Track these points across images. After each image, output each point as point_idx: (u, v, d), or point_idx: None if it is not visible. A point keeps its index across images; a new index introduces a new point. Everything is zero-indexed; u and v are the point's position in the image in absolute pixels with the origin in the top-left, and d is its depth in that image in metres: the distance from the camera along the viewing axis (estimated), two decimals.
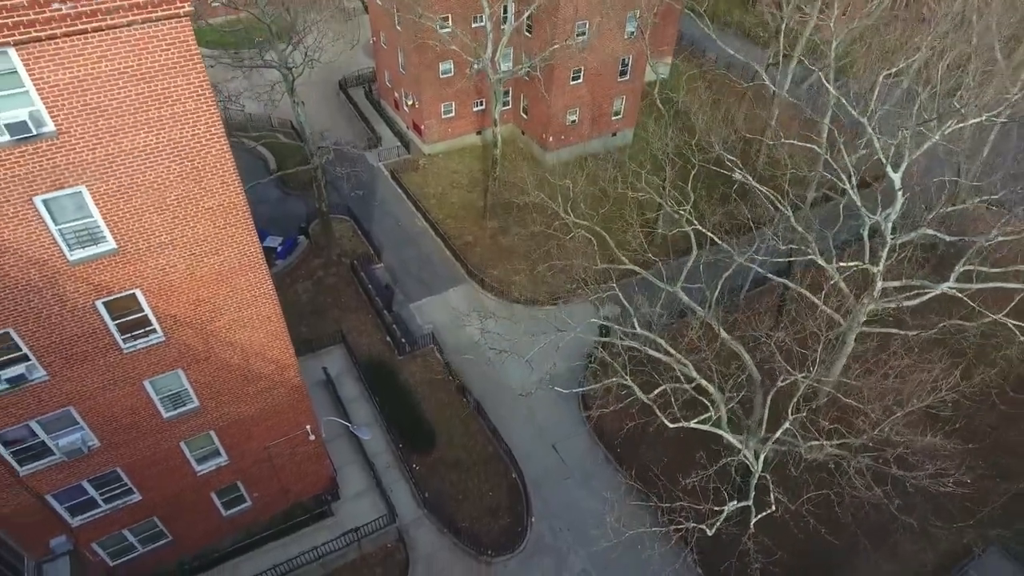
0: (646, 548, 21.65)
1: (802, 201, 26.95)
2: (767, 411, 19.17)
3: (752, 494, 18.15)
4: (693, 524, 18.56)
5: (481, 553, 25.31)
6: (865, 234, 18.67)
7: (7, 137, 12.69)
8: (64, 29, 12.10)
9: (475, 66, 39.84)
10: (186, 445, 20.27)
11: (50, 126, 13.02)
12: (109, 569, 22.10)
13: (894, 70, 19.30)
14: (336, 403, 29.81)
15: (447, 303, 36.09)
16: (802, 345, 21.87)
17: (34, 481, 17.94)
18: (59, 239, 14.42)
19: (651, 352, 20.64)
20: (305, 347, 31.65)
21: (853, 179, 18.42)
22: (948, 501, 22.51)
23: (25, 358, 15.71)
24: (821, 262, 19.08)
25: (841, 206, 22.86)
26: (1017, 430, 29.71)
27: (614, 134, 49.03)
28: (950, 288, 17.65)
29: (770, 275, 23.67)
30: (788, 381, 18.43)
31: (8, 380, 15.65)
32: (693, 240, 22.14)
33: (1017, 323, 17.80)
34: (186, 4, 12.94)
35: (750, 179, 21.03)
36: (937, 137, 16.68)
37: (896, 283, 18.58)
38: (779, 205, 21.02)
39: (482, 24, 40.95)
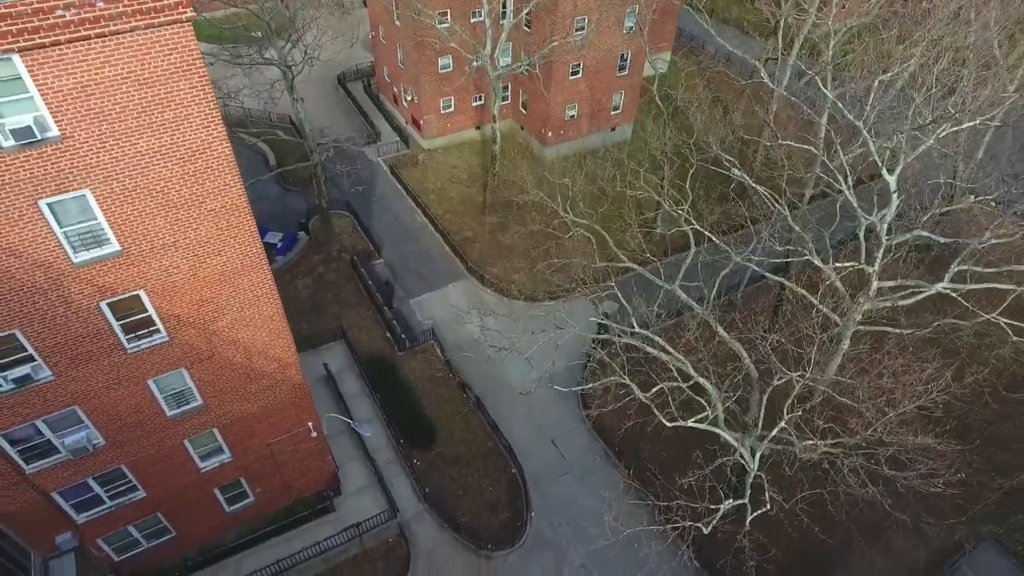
0: (643, 546, 21.95)
1: (799, 200, 27.14)
2: (763, 410, 19.41)
3: (748, 492, 18.42)
4: (690, 522, 18.83)
5: (481, 548, 25.62)
6: (861, 234, 18.87)
7: (12, 142, 12.83)
8: (67, 35, 12.22)
9: (474, 63, 39.89)
10: (190, 442, 20.52)
11: (54, 131, 13.16)
12: (114, 565, 22.39)
13: (889, 75, 19.43)
14: (337, 399, 30.05)
15: (447, 299, 36.28)
16: (798, 345, 22.10)
17: (40, 479, 18.18)
18: (64, 241, 14.59)
19: (649, 350, 20.87)
20: (306, 343, 31.87)
21: (849, 179, 18.59)
22: (940, 499, 22.82)
23: (31, 358, 15.90)
24: (817, 262, 19.28)
25: (838, 204, 23.03)
26: (1012, 425, 30.04)
27: (613, 129, 49.10)
28: (945, 288, 17.87)
29: (767, 274, 23.86)
30: (784, 380, 18.67)
31: (14, 380, 15.86)
32: (692, 238, 22.32)
33: (1010, 322, 18.03)
34: (188, 9, 13.05)
35: (747, 179, 21.18)
36: (932, 141, 16.84)
37: (891, 283, 18.79)
38: (776, 204, 21.18)
39: (481, 20, 40.97)
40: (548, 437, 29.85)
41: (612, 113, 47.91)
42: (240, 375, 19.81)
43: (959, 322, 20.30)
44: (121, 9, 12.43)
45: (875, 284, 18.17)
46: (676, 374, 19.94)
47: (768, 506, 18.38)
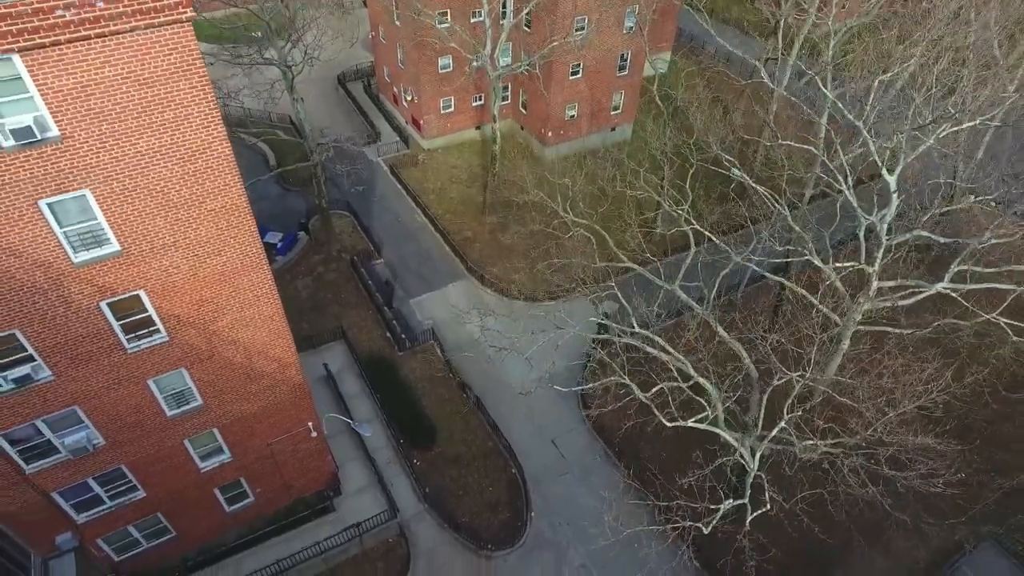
0: (643, 546, 21.95)
1: (799, 200, 27.14)
2: (763, 410, 19.41)
3: (748, 492, 18.42)
4: (690, 522, 18.83)
5: (481, 548, 25.62)
6: (861, 234, 18.87)
7: (12, 142, 12.83)
8: (68, 35, 12.22)
9: (474, 63, 39.89)
10: (190, 442, 20.52)
11: (54, 131, 13.16)
12: (114, 564, 22.39)
13: (888, 76, 19.43)
14: (337, 399, 30.05)
15: (447, 299, 36.28)
16: (798, 345, 22.10)
17: (40, 479, 18.18)
18: (64, 241, 14.59)
19: (649, 350, 20.87)
20: (306, 343, 31.87)
21: (849, 179, 18.59)
22: (940, 499, 22.83)
23: (31, 358, 15.90)
24: (818, 262, 19.28)
25: (838, 204, 23.03)
26: (1012, 425, 30.05)
27: (613, 129, 49.10)
28: (945, 288, 17.87)
29: (767, 274, 23.86)
30: (784, 380, 18.67)
31: (14, 380, 15.86)
32: (692, 239, 22.33)
33: (1010, 322, 18.03)
34: (188, 10, 13.05)
35: (747, 178, 21.18)
36: (932, 141, 16.84)
37: (891, 283, 18.79)
38: (776, 204, 21.18)
39: (481, 20, 40.96)
40: (548, 437, 29.86)
41: (612, 113, 47.92)
42: (240, 375, 19.81)
43: (959, 322, 20.30)
44: (121, 9, 12.43)
45: (875, 284, 18.18)
46: (676, 374, 19.95)
47: (768, 506, 18.38)
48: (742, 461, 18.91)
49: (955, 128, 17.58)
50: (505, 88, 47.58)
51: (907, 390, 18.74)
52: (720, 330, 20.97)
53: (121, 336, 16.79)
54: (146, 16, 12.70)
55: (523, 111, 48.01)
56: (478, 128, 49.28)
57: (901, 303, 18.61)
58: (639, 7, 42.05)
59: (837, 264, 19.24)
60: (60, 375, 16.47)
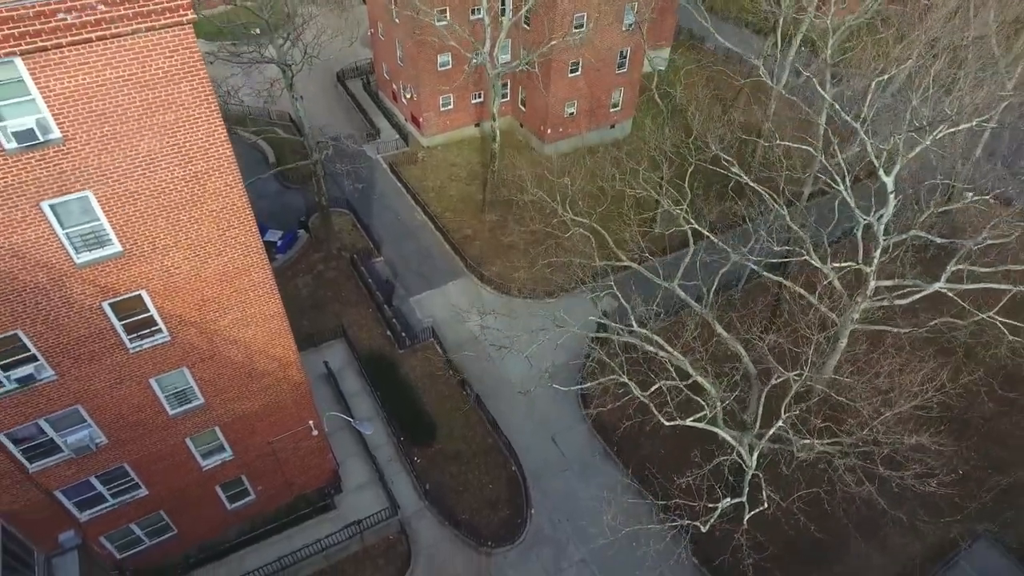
0: (642, 544, 22.10)
1: (797, 198, 27.21)
2: (761, 408, 19.55)
3: (746, 491, 18.56)
4: (688, 521, 18.98)
5: (481, 544, 25.79)
6: (858, 234, 18.97)
7: (15, 144, 12.91)
8: (69, 38, 12.30)
9: (474, 60, 39.88)
10: (192, 441, 20.64)
11: (56, 133, 13.24)
12: (117, 562, 22.54)
13: (886, 77, 19.52)
14: (338, 397, 30.17)
15: (447, 297, 36.39)
16: (796, 344, 22.22)
17: (43, 477, 18.31)
18: (66, 242, 14.69)
19: (648, 348, 20.99)
20: (306, 341, 31.97)
21: (847, 179, 18.67)
22: (937, 496, 22.97)
23: (34, 358, 16.01)
24: (816, 263, 19.39)
25: (836, 202, 23.12)
26: (1008, 422, 30.21)
27: (612, 126, 49.13)
28: (942, 288, 17.98)
29: (765, 272, 23.97)
30: (781, 379, 18.79)
31: (17, 380, 15.98)
32: (691, 237, 22.42)
33: (1006, 321, 18.14)
34: (189, 12, 13.12)
35: (745, 177, 21.27)
36: (928, 142, 16.93)
37: (889, 282, 18.91)
38: (775, 203, 21.28)
39: (480, 17, 40.95)
40: (548, 434, 30.01)
41: (611, 110, 47.94)
42: (242, 374, 19.93)
43: (956, 321, 20.42)
44: (122, 12, 12.50)
45: (873, 284, 18.29)
46: (674, 373, 20.07)
47: (765, 505, 18.54)
48: (740, 461, 19.05)
49: (952, 129, 17.67)
50: (504, 85, 47.57)
51: (903, 390, 18.87)
52: (719, 328, 21.10)
53: (123, 336, 16.90)
54: (147, 19, 12.77)
55: (522, 108, 48.02)
56: (477, 125, 49.30)
57: (898, 302, 18.74)
58: (638, 4, 42.04)
59: (835, 264, 19.35)
60: (63, 375, 16.58)
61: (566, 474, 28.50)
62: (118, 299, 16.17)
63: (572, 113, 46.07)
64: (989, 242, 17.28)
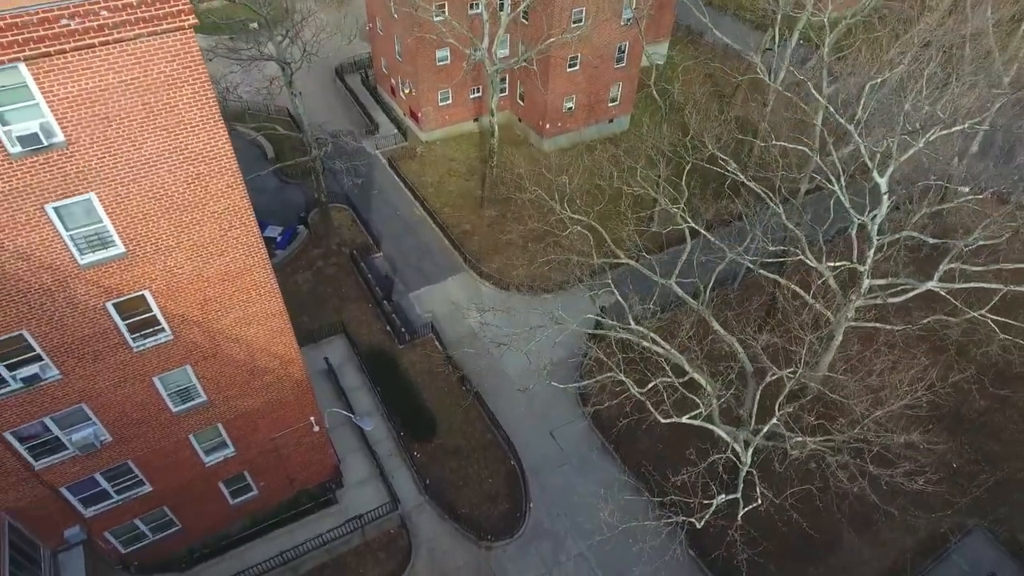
0: (638, 540, 22.42)
1: (793, 195, 27.37)
2: (756, 403, 19.80)
3: (740, 487, 18.85)
4: (683, 518, 19.29)
5: (481, 538, 26.11)
6: (853, 233, 19.18)
7: (19, 148, 13.07)
8: (72, 44, 12.43)
9: (474, 55, 39.90)
10: (194, 438, 20.89)
11: (60, 137, 13.39)
12: (121, 556, 22.85)
13: (880, 80, 19.68)
14: (338, 392, 30.42)
15: (446, 293, 36.59)
16: (792, 342, 22.46)
17: (49, 475, 18.57)
18: (70, 244, 14.86)
19: (645, 345, 21.22)
20: (306, 337, 32.18)
21: (842, 179, 18.86)
22: (927, 494, 23.30)
23: (39, 358, 16.22)
24: (811, 262, 19.60)
25: (832, 201, 23.32)
26: (1002, 416, 30.53)
27: (611, 120, 49.19)
28: (935, 286, 18.20)
29: (761, 270, 24.18)
30: (776, 376, 19.04)
31: (23, 379, 16.18)
32: (687, 235, 22.61)
33: (997, 318, 18.38)
34: (190, 17, 13.24)
35: (741, 176, 21.45)
36: (921, 144, 17.11)
37: (882, 281, 19.13)
38: (771, 202, 21.46)
39: (478, 12, 40.92)
40: (546, 430, 30.30)
41: (610, 105, 48.00)
42: (244, 371, 20.15)
43: (949, 318, 20.66)
44: (125, 17, 12.63)
45: (867, 282, 18.52)
46: (670, 372, 20.32)
47: (759, 501, 18.83)
48: (734, 458, 19.31)
49: (944, 131, 17.84)
50: (503, 80, 47.57)
51: (894, 390, 19.13)
52: (715, 324, 21.33)
53: (127, 335, 17.09)
54: (149, 24, 12.89)
55: (521, 103, 48.05)
56: (476, 120, 49.33)
57: (892, 300, 18.98)
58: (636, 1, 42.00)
59: (830, 264, 19.56)
60: (67, 374, 16.79)
61: (564, 469, 28.81)
62: (121, 299, 16.35)
63: (571, 108, 46.13)
64: (981, 243, 17.49)
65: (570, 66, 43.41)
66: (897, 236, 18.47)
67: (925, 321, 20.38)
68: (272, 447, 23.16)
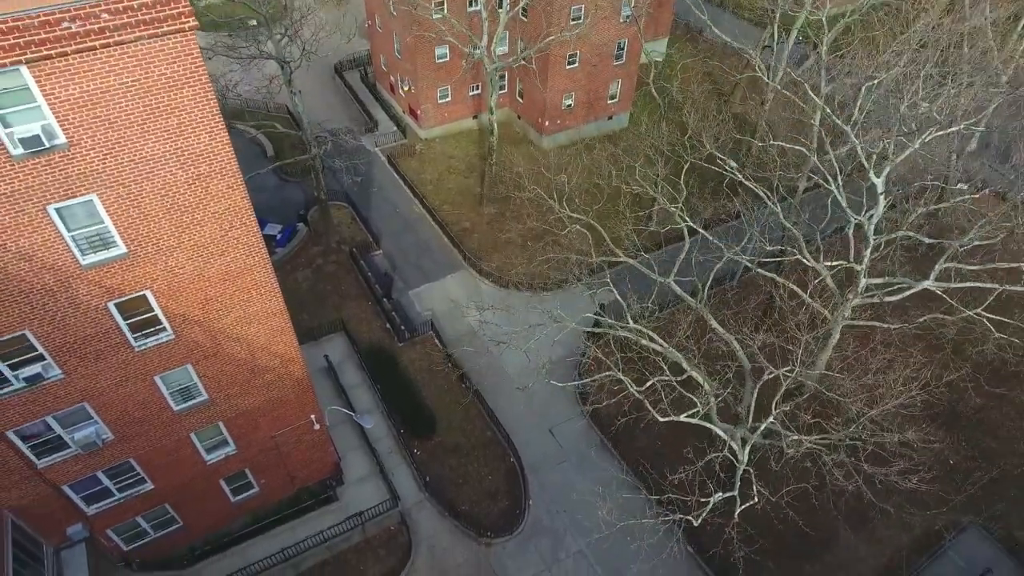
0: (636, 538, 22.60)
1: (791, 194, 27.47)
2: (754, 400, 19.94)
3: (737, 485, 19.01)
4: (680, 515, 19.46)
5: (481, 535, 26.28)
6: (850, 233, 19.29)
7: (21, 150, 13.15)
8: (74, 46, 12.50)
9: (473, 53, 39.93)
10: (196, 436, 21.02)
11: (62, 139, 13.47)
12: (124, 554, 23.02)
13: (876, 81, 19.76)
14: (338, 390, 30.56)
15: (446, 290, 36.69)
16: (789, 341, 22.60)
17: (51, 473, 18.71)
18: (72, 245, 14.96)
19: (644, 343, 21.33)
20: (306, 335, 32.29)
21: (839, 178, 18.97)
22: (921, 492, 23.47)
23: (41, 357, 16.33)
24: (809, 261, 19.72)
25: (829, 199, 23.42)
26: (999, 413, 30.72)
27: (610, 117, 49.21)
28: (931, 285, 18.32)
29: (758, 269, 24.30)
30: (773, 375, 19.17)
31: (25, 379, 16.31)
32: (686, 234, 22.72)
33: (992, 317, 18.51)
34: (191, 19, 13.31)
35: (739, 175, 21.55)
36: (916, 145, 17.21)
37: (879, 280, 19.25)
38: (769, 201, 21.56)
39: (477, 9, 40.91)
40: (546, 427, 30.44)
41: (609, 102, 48.01)
42: (245, 370, 20.27)
43: (945, 317, 20.79)
44: (126, 20, 12.70)
45: (863, 281, 18.63)
46: (667, 371, 20.45)
47: (755, 499, 18.99)
48: (731, 457, 19.45)
49: (940, 132, 17.94)
50: (502, 77, 47.56)
51: (889, 388, 19.27)
52: (713, 322, 21.45)
53: (128, 335, 17.21)
54: (150, 26, 12.96)
55: (520, 100, 48.06)
56: (475, 118, 49.34)
57: (888, 299, 19.10)
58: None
59: (827, 263, 19.67)
60: (70, 373, 16.91)
61: (563, 467, 28.97)
62: (123, 299, 16.46)
63: (570, 105, 46.15)
64: (976, 243, 17.61)
65: (569, 63, 43.41)
66: (894, 236, 18.58)
67: (921, 320, 20.51)
68: (273, 445, 23.31)
